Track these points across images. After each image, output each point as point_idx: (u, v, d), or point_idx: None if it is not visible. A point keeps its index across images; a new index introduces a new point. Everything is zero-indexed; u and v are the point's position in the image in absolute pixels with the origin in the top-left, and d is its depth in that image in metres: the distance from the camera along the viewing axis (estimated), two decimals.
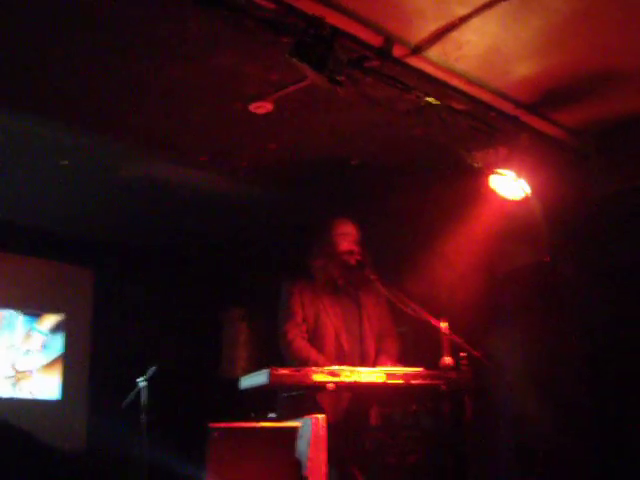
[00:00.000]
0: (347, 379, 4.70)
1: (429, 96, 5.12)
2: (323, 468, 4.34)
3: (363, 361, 5.45)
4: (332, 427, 4.85)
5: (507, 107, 5.56)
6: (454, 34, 4.62)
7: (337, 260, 5.59)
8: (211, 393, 8.35)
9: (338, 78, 4.31)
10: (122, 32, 4.55)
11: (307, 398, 4.93)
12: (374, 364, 5.42)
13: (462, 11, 4.41)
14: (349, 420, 5.18)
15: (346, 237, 5.63)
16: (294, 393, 4.91)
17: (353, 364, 5.20)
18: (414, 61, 4.86)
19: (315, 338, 5.50)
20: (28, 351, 8.25)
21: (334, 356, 5.40)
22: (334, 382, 4.65)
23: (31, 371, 8.24)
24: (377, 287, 5.48)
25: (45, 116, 5.63)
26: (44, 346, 8.41)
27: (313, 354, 5.35)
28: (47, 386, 8.33)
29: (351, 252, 5.56)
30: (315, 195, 7.27)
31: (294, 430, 4.26)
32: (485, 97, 5.40)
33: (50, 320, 8.51)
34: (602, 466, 5.88)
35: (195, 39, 4.55)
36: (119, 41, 4.64)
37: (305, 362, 5.26)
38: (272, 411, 6.12)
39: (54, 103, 5.44)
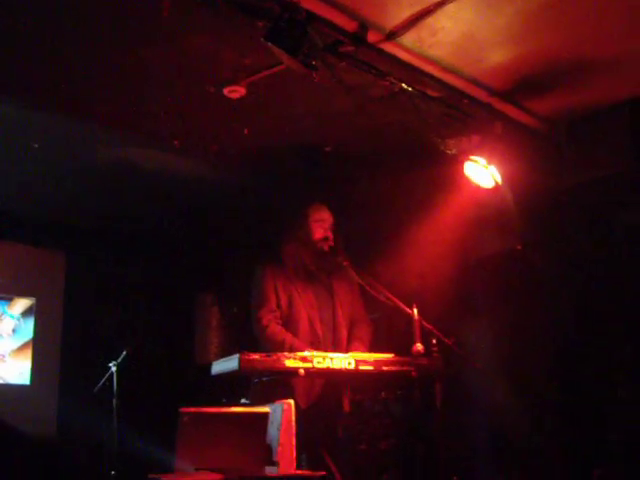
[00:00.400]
0: (318, 365, 4.70)
1: (403, 82, 5.12)
2: (294, 453, 4.35)
3: (336, 347, 5.46)
4: (305, 412, 4.88)
5: (480, 94, 5.57)
6: (429, 20, 4.61)
7: (310, 247, 5.59)
8: (184, 378, 8.35)
9: (313, 63, 4.30)
10: (95, 14, 4.51)
11: (279, 383, 4.93)
12: (347, 350, 5.43)
13: None
14: (322, 406, 5.19)
15: (322, 224, 5.63)
16: (264, 379, 4.91)
17: (326, 350, 5.22)
18: (388, 47, 4.86)
19: (289, 324, 5.50)
20: None
21: (308, 342, 5.41)
22: (305, 368, 4.66)
23: (2, 355, 8.19)
24: (349, 273, 5.49)
25: (16, 98, 5.58)
26: (15, 330, 8.36)
27: (289, 337, 5.36)
28: (18, 370, 8.29)
29: (325, 239, 5.57)
30: (288, 181, 7.26)
31: (265, 415, 4.26)
32: (459, 84, 5.41)
33: (21, 304, 8.46)
34: (573, 456, 5.93)
35: (169, 22, 4.52)
36: (92, 23, 4.60)
37: (281, 345, 5.27)
38: (245, 397, 6.13)
39: (25, 84, 5.40)
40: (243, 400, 7.07)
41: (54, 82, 5.35)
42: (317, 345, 5.37)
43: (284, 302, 5.55)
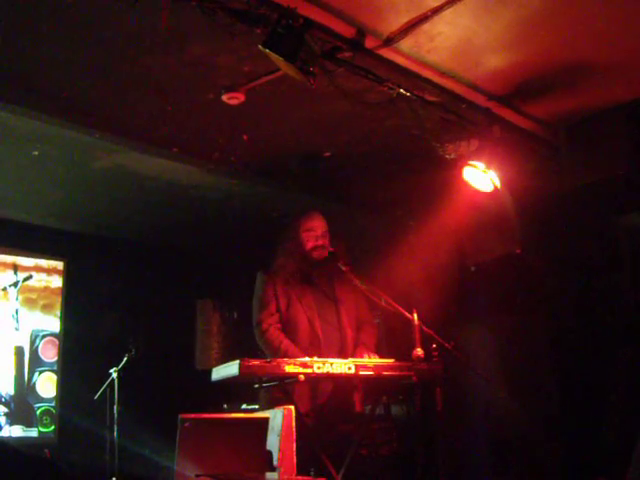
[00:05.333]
0: (318, 371, 4.70)
1: (401, 88, 5.14)
2: (294, 459, 4.35)
3: (342, 349, 5.44)
4: (308, 418, 4.88)
5: (479, 99, 5.58)
6: (426, 26, 4.63)
7: (301, 257, 5.60)
8: (184, 384, 8.35)
9: (310, 69, 4.31)
10: (95, 23, 4.52)
11: (282, 389, 4.91)
12: (353, 355, 5.42)
13: (434, 3, 4.42)
14: (325, 411, 5.20)
15: (312, 233, 5.62)
16: (265, 385, 4.91)
17: (330, 352, 5.21)
18: (386, 53, 4.88)
19: (288, 327, 5.49)
20: None
21: (308, 344, 5.39)
22: (305, 373, 4.65)
23: None
24: (349, 278, 5.49)
25: (16, 105, 5.58)
26: None
27: (284, 344, 5.35)
28: None
29: (316, 248, 5.57)
30: (287, 186, 7.28)
31: (265, 421, 4.26)
32: (457, 89, 5.43)
33: None
34: (571, 456, 5.93)
35: (168, 30, 4.52)
36: (92, 32, 4.62)
37: (276, 351, 5.28)
38: (248, 402, 6.12)
39: (25, 92, 5.39)
40: (244, 406, 7.08)
41: (54, 89, 5.36)
42: (317, 345, 5.37)
43: (283, 305, 5.54)
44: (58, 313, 8.63)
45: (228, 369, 4.70)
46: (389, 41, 4.77)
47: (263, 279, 5.65)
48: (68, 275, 8.74)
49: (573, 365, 5.98)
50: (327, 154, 6.59)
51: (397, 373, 4.96)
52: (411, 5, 4.45)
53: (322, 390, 5.28)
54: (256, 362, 4.62)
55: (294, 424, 4.39)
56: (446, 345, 5.09)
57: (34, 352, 8.42)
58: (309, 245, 5.58)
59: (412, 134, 5.95)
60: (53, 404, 8.38)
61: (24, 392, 8.23)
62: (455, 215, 6.30)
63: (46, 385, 8.40)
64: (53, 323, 8.60)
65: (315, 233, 5.61)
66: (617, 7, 4.55)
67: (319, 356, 4.91)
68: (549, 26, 4.72)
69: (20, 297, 8.41)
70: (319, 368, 4.71)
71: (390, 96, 5.24)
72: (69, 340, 8.55)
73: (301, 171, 6.91)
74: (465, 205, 6.14)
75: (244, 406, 7.18)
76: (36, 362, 8.41)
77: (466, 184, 5.76)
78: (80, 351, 8.40)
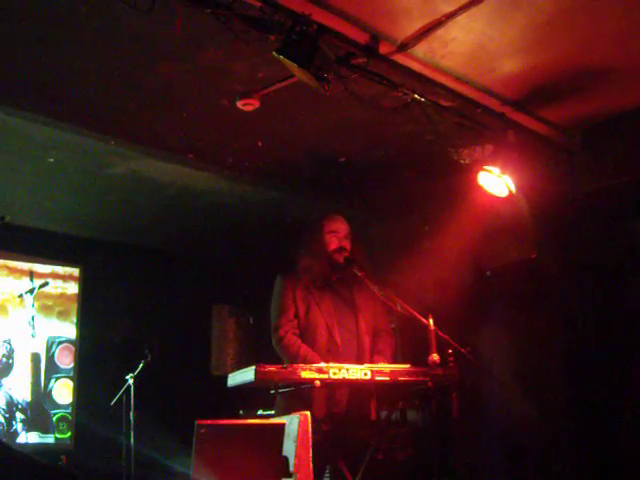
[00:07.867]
0: (334, 376, 4.69)
1: (416, 93, 5.13)
2: (310, 465, 4.34)
3: (360, 356, 5.43)
4: (325, 423, 4.87)
5: (493, 104, 5.57)
6: (440, 31, 4.63)
7: (325, 259, 5.57)
8: (201, 390, 8.35)
9: (325, 75, 4.31)
10: (110, 31, 4.55)
11: (299, 394, 4.91)
12: (370, 362, 5.40)
13: (448, 8, 4.42)
14: (342, 417, 5.19)
15: (336, 234, 5.60)
16: (281, 390, 4.90)
17: (348, 359, 5.19)
18: (400, 58, 4.87)
19: (307, 332, 5.47)
20: None
21: (325, 350, 5.37)
22: (321, 379, 4.64)
23: None
24: (364, 283, 5.47)
25: (31, 112, 5.60)
26: None
27: (303, 349, 5.34)
28: None
29: (340, 249, 5.55)
30: (302, 192, 7.28)
31: (281, 427, 4.25)
32: (471, 94, 5.41)
33: None
34: (589, 461, 5.91)
35: (183, 37, 4.54)
36: (108, 39, 4.64)
37: (295, 357, 5.26)
38: (264, 407, 6.10)
39: (40, 99, 5.42)
40: (260, 412, 7.08)
41: (69, 96, 5.38)
42: (335, 353, 5.36)
43: (302, 311, 5.52)
44: (74, 319, 8.69)
45: (244, 375, 4.70)
46: (403, 47, 4.77)
47: (283, 284, 5.63)
48: (84, 282, 8.78)
49: (589, 370, 5.96)
50: (342, 159, 6.59)
51: (413, 378, 4.95)
52: (425, 10, 4.45)
53: (339, 396, 5.27)
54: (272, 368, 4.61)
55: (310, 430, 4.38)
56: (462, 350, 5.07)
57: (50, 359, 8.46)
58: (333, 246, 5.56)
59: (427, 139, 5.95)
60: (69, 410, 8.43)
61: (40, 399, 8.27)
62: (470, 220, 6.28)
63: (62, 391, 8.44)
64: (69, 330, 8.65)
65: (339, 235, 5.59)
66: (632, 10, 4.53)
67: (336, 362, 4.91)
68: (564, 30, 4.71)
69: (36, 304, 8.46)
70: (335, 374, 4.70)
71: (405, 101, 5.24)
72: (85, 346, 8.58)
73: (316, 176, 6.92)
74: (480, 210, 6.12)
75: (260, 412, 7.19)
76: (52, 368, 8.45)
77: (481, 189, 5.74)
78: (96, 357, 8.42)
